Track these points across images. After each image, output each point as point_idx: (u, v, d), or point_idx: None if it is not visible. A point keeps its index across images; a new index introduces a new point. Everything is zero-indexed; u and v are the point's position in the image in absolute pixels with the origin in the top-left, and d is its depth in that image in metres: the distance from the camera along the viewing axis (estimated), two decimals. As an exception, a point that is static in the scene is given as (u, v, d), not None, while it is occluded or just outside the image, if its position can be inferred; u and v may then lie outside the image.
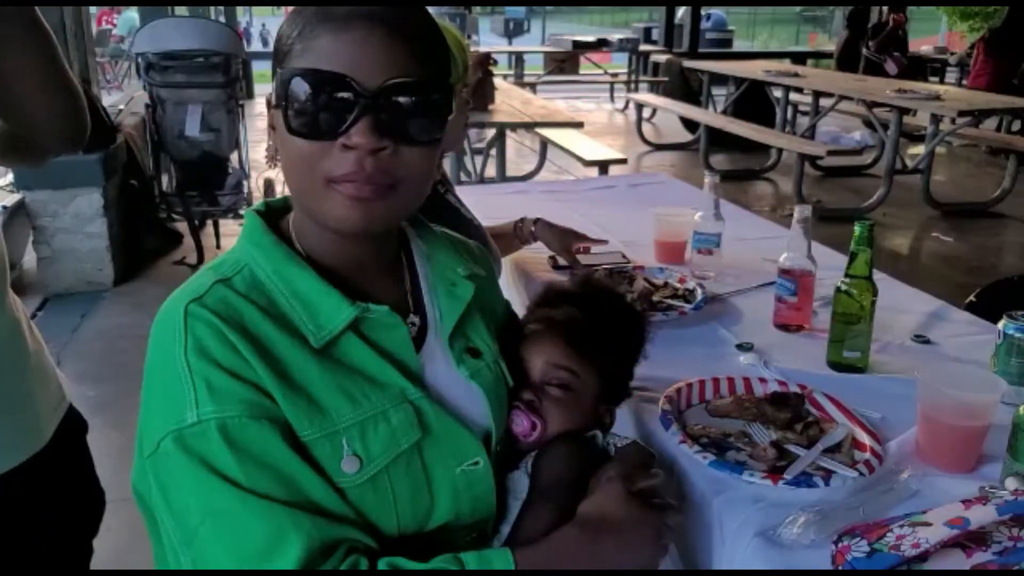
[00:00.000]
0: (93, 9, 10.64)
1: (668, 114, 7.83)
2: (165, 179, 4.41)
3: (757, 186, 6.40)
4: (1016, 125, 7.49)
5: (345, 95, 0.74)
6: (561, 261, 1.78)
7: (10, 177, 4.04)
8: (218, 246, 4.59)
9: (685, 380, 1.25)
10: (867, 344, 1.32)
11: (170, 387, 0.73)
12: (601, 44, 9.70)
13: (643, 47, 9.91)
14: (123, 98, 5.58)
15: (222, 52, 4.18)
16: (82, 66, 3.99)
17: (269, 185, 4.51)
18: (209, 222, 4.61)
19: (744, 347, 1.42)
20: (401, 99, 0.76)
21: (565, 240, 1.74)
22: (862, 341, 1.31)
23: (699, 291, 1.61)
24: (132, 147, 4.42)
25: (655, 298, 1.57)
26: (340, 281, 0.83)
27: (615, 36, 10.16)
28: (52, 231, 3.88)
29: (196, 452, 0.71)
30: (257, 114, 4.69)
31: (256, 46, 19.17)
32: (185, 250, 4.48)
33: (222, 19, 10.43)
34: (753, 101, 7.28)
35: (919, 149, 6.66)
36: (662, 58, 9.13)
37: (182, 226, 4.51)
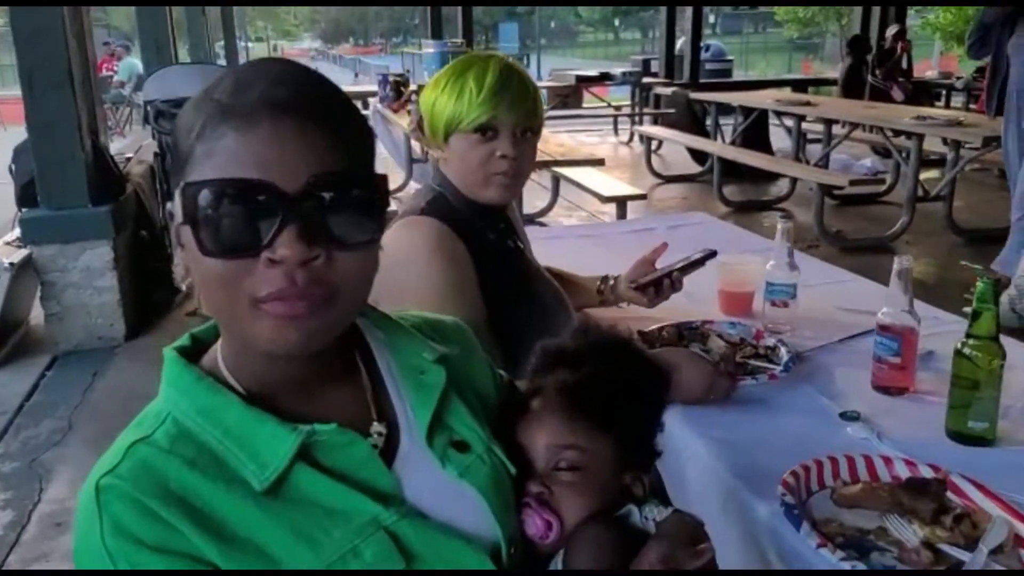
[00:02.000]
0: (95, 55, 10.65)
1: (674, 145, 7.77)
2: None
3: (772, 217, 6.30)
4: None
5: (262, 202, 0.63)
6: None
7: (17, 232, 3.92)
8: (230, 295, 4.45)
9: (801, 463, 1.11)
10: (995, 412, 1.19)
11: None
12: (604, 78, 9.69)
13: (646, 79, 9.89)
14: (128, 145, 5.48)
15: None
16: (90, 116, 3.89)
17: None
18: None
19: (849, 416, 1.28)
20: (327, 197, 0.64)
21: (638, 286, 1.59)
22: (989, 409, 1.18)
23: (782, 349, 1.47)
24: (141, 197, 4.31)
25: (739, 359, 1.43)
26: (282, 405, 0.71)
27: (617, 70, 10.14)
28: (61, 286, 3.75)
29: None
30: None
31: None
32: (197, 302, 4.35)
33: (221, 61, 10.44)
34: (755, 131, 7.24)
35: (932, 174, 6.59)
36: (665, 90, 9.10)
37: (193, 276, 4.38)
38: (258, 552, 0.64)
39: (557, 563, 0.80)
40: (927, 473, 1.08)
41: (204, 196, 0.63)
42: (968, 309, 1.21)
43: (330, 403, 0.74)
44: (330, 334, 0.70)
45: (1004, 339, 1.53)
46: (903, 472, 1.09)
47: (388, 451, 0.74)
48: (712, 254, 1.60)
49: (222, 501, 0.65)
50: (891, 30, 8.67)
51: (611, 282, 1.66)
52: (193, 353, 0.75)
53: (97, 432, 3.07)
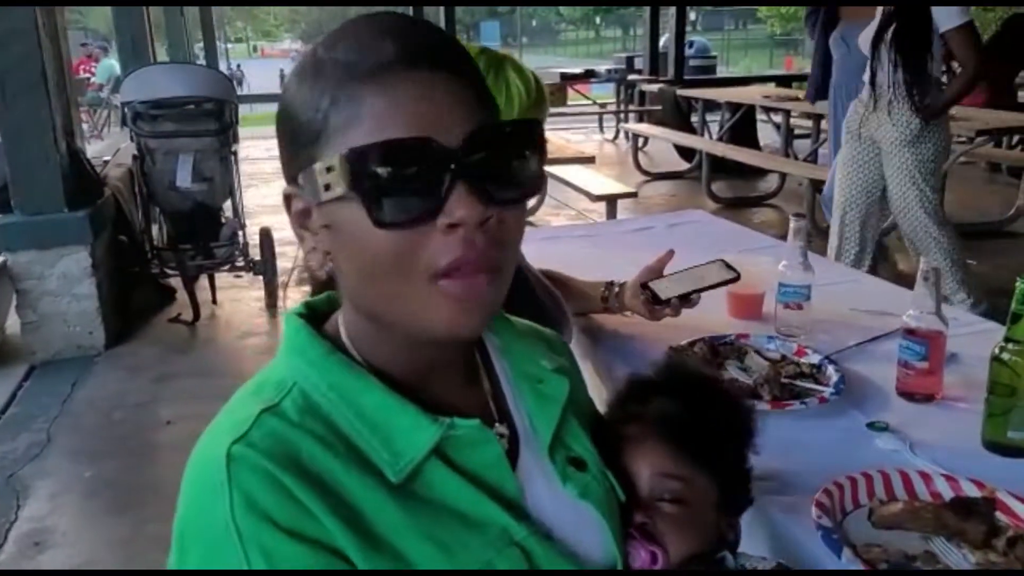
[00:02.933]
0: (72, 57, 10.46)
1: (660, 142, 7.72)
2: (156, 232, 4.18)
3: (763, 213, 6.27)
4: (1015, 140, 7.44)
5: (429, 162, 0.58)
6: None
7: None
8: (214, 301, 4.35)
9: (832, 479, 1.04)
10: (1036, 422, 1.12)
11: (215, 558, 0.56)
12: (589, 75, 9.63)
13: (630, 77, 9.85)
14: (106, 148, 5.35)
15: (215, 98, 3.98)
16: (65, 118, 3.77)
17: (266, 235, 4.30)
18: (204, 276, 4.37)
19: (878, 427, 1.21)
20: (487, 154, 0.59)
21: (644, 297, 1.52)
22: (1029, 418, 1.12)
23: (828, 368, 1.37)
24: (119, 201, 4.19)
25: (783, 379, 1.34)
26: (411, 393, 0.64)
27: (601, 67, 10.09)
28: (37, 294, 3.62)
29: None
30: (243, 158, 4.51)
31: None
32: (180, 306, 4.24)
33: (201, 62, 10.27)
34: (742, 127, 7.20)
35: (922, 169, 6.57)
36: (651, 87, 9.06)
37: (176, 281, 4.27)
38: (395, 555, 0.59)
39: None
40: (971, 490, 1.01)
41: (370, 163, 0.57)
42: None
43: (456, 396, 0.69)
44: (495, 312, 0.65)
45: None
46: (944, 489, 1.02)
47: (509, 457, 0.69)
48: (726, 267, 1.54)
49: (359, 489, 0.59)
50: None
51: (616, 289, 1.58)
52: (311, 320, 0.68)
53: (77, 444, 2.97)
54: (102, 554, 2.31)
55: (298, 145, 0.61)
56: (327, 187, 0.59)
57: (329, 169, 0.58)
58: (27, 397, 3.38)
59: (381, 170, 0.57)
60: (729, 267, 1.56)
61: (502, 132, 0.62)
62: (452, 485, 0.63)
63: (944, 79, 3.49)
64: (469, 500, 0.63)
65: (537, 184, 0.63)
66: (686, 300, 1.52)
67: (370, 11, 0.65)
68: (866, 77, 3.37)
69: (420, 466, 0.62)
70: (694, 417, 0.84)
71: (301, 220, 0.64)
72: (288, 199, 0.64)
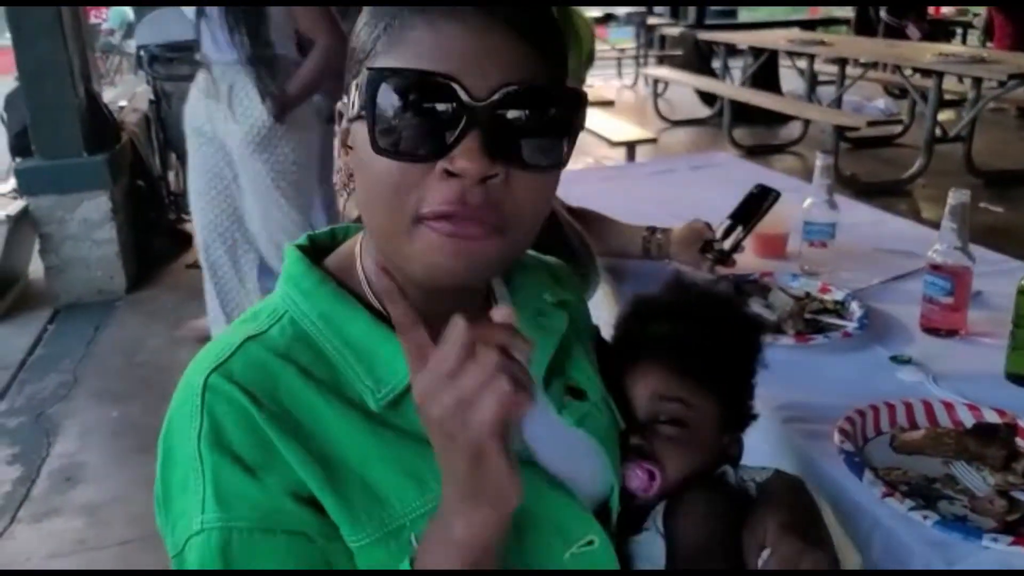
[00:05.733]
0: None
1: (681, 88, 7.57)
2: (172, 178, 4.18)
3: (785, 160, 6.17)
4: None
5: (448, 105, 0.56)
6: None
7: (12, 183, 3.81)
8: (232, 246, 4.37)
9: (855, 407, 1.04)
10: (1060, 354, 1.11)
11: (185, 479, 0.59)
12: (608, 19, 9.41)
13: (651, 20, 9.62)
14: (121, 94, 5.32)
15: (230, 41, 3.92)
16: (82, 62, 3.75)
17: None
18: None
19: (901, 360, 1.21)
20: (517, 112, 0.57)
21: (693, 248, 1.49)
22: (1054, 350, 1.11)
23: (852, 303, 1.37)
24: (136, 146, 4.19)
25: (807, 315, 1.33)
26: None
27: (621, 10, 9.85)
28: (59, 239, 3.65)
29: (197, 564, 0.58)
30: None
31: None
32: (196, 252, 4.26)
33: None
34: (765, 73, 7.03)
35: (949, 115, 6.42)
36: (672, 31, 8.85)
37: (191, 227, 4.29)
38: (364, 486, 0.60)
39: (656, 516, 0.77)
40: (993, 418, 1.01)
41: (387, 86, 0.57)
42: None
43: None
44: (493, 269, 0.63)
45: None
46: (966, 417, 1.03)
47: None
48: (764, 191, 1.51)
49: (335, 420, 0.60)
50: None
51: (659, 236, 1.55)
52: (311, 253, 0.69)
53: (102, 386, 3.03)
54: (130, 491, 2.37)
55: (352, 63, 0.62)
56: (353, 104, 0.60)
57: (357, 87, 0.59)
58: (53, 339, 3.44)
59: (396, 97, 0.56)
60: (767, 189, 1.54)
61: (543, 94, 0.59)
62: None
63: None
64: None
65: (564, 156, 0.61)
66: (740, 248, 1.51)
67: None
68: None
69: (401, 396, 0.62)
70: (695, 338, 0.83)
71: (343, 136, 0.64)
72: (339, 116, 0.65)
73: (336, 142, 0.66)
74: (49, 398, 2.92)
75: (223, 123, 2.44)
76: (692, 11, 9.79)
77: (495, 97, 0.56)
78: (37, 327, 3.52)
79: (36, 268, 3.86)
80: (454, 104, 0.56)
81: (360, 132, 0.59)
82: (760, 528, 0.72)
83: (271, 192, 2.47)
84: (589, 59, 1.29)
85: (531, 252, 0.82)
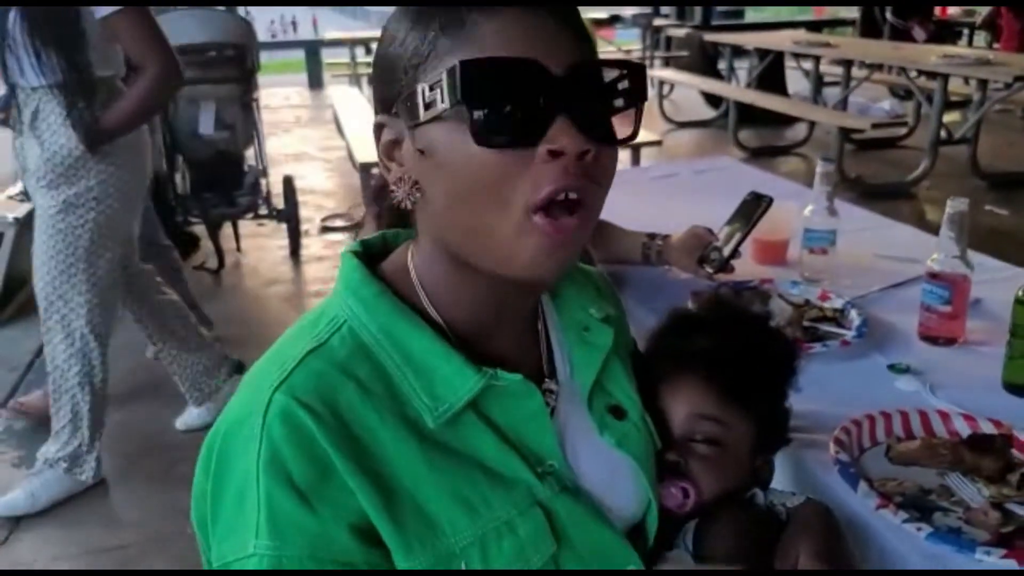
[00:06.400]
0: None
1: (686, 90, 7.57)
2: (179, 180, 4.21)
3: (790, 162, 6.16)
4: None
5: (534, 85, 0.57)
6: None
7: (19, 186, 3.83)
8: (238, 248, 4.40)
9: (851, 417, 1.05)
10: (1057, 364, 1.12)
11: (242, 494, 0.59)
12: (614, 20, 9.41)
13: (657, 21, 9.61)
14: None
15: (236, 44, 3.95)
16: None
17: (288, 182, 4.32)
18: (227, 224, 4.41)
19: (898, 368, 1.22)
20: (591, 88, 0.60)
21: (693, 255, 1.49)
22: (1051, 360, 1.11)
23: (851, 311, 1.37)
24: (144, 148, 4.21)
25: (806, 323, 1.34)
26: (468, 341, 0.65)
27: (628, 12, 9.84)
28: (66, 241, 3.67)
29: None
30: (262, 106, 4.49)
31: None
32: (204, 254, 4.29)
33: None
34: (771, 74, 7.02)
35: (954, 116, 6.40)
36: (678, 32, 8.84)
37: (199, 229, 4.31)
38: (418, 512, 0.60)
39: (686, 534, 0.78)
40: (989, 428, 1.01)
41: (480, 76, 0.57)
42: None
43: (510, 347, 0.69)
44: (577, 256, 0.65)
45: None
46: (962, 428, 1.03)
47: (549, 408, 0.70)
48: (757, 197, 1.51)
49: (389, 439, 0.61)
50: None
51: (658, 243, 1.55)
52: (365, 259, 0.69)
53: (109, 388, 3.04)
54: (133, 495, 2.40)
55: (399, 73, 0.61)
56: (428, 106, 0.59)
57: (433, 87, 0.58)
58: (60, 341, 3.45)
59: (488, 86, 0.57)
60: (759, 196, 1.54)
61: (612, 67, 0.61)
62: (486, 440, 0.64)
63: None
64: (499, 457, 0.64)
65: (635, 130, 0.63)
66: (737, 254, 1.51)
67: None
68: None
69: (458, 415, 0.62)
70: (735, 357, 0.84)
71: (390, 150, 0.64)
72: (379, 128, 0.65)
73: (379, 156, 0.66)
74: (56, 400, 2.94)
75: (31, 154, 2.17)
76: (698, 12, 9.79)
77: (573, 72, 0.58)
78: (45, 329, 3.54)
79: (43, 270, 3.88)
80: (541, 85, 0.57)
81: (442, 134, 0.59)
82: (792, 553, 0.73)
83: (53, 235, 2.19)
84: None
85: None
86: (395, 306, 0.64)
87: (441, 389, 0.62)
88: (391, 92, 0.63)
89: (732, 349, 0.85)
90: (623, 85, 0.62)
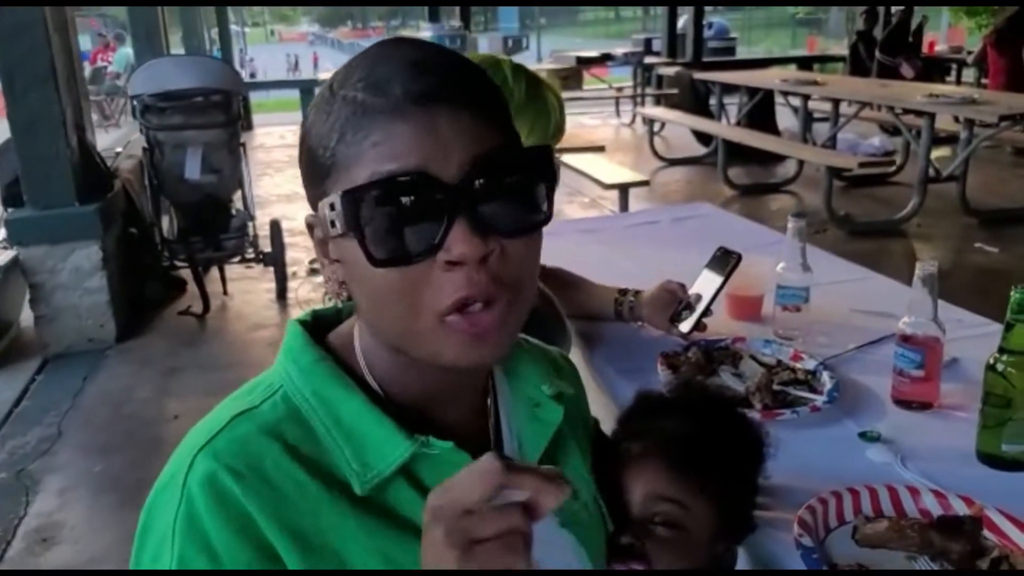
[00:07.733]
0: (87, 48, 10.52)
1: (677, 127, 7.62)
2: (166, 224, 4.21)
3: (779, 200, 6.17)
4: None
5: (426, 198, 0.56)
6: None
7: (2, 233, 3.83)
8: (224, 292, 4.38)
9: (817, 495, 1.01)
10: (1032, 435, 1.08)
11: (157, 558, 0.59)
12: (605, 58, 9.52)
13: (648, 59, 9.72)
14: (120, 139, 5.39)
15: (222, 90, 3.98)
16: (75, 112, 3.78)
17: (275, 226, 4.31)
18: (214, 268, 4.39)
19: (870, 437, 1.18)
20: (488, 182, 0.57)
21: (665, 312, 1.47)
22: (1025, 431, 1.07)
23: (824, 374, 1.33)
24: (130, 193, 4.22)
25: (776, 386, 1.30)
26: (405, 408, 0.64)
27: (618, 50, 9.97)
28: (50, 288, 3.66)
29: None
30: (257, 146, 4.47)
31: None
32: (190, 298, 4.26)
33: (217, 52, 10.28)
34: (761, 111, 7.08)
35: (943, 152, 6.43)
36: (668, 70, 8.93)
37: (186, 273, 4.30)
38: (340, 563, 0.60)
39: None
40: (959, 506, 0.97)
41: (368, 201, 0.57)
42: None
43: (452, 419, 0.68)
44: (514, 339, 0.64)
45: None
46: (932, 505, 0.99)
47: None
48: (726, 253, 1.49)
49: (316, 500, 0.60)
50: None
51: (630, 299, 1.53)
52: (313, 329, 0.69)
53: (87, 440, 3.00)
54: (110, 550, 2.33)
55: (314, 177, 0.61)
56: (332, 223, 0.59)
57: (332, 207, 0.58)
58: (39, 391, 3.42)
59: (377, 209, 0.56)
60: (728, 253, 1.52)
61: (509, 158, 0.60)
62: (418, 507, 0.61)
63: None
64: None
65: (545, 213, 0.62)
66: (708, 312, 1.49)
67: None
68: None
69: (388, 482, 0.62)
70: (698, 439, 0.82)
71: (321, 248, 0.64)
72: (310, 227, 0.64)
73: (316, 251, 0.65)
74: (31, 453, 2.89)
75: None
76: (689, 50, 9.90)
77: (464, 177, 0.56)
78: (25, 378, 3.51)
79: (27, 317, 3.86)
80: (433, 195, 0.56)
81: (350, 249, 0.59)
82: None
83: None
84: (557, 131, 1.29)
85: (533, 340, 0.83)
86: (332, 372, 0.64)
87: (371, 455, 0.62)
88: (312, 195, 0.62)
89: (696, 432, 0.83)
90: (528, 171, 0.60)
